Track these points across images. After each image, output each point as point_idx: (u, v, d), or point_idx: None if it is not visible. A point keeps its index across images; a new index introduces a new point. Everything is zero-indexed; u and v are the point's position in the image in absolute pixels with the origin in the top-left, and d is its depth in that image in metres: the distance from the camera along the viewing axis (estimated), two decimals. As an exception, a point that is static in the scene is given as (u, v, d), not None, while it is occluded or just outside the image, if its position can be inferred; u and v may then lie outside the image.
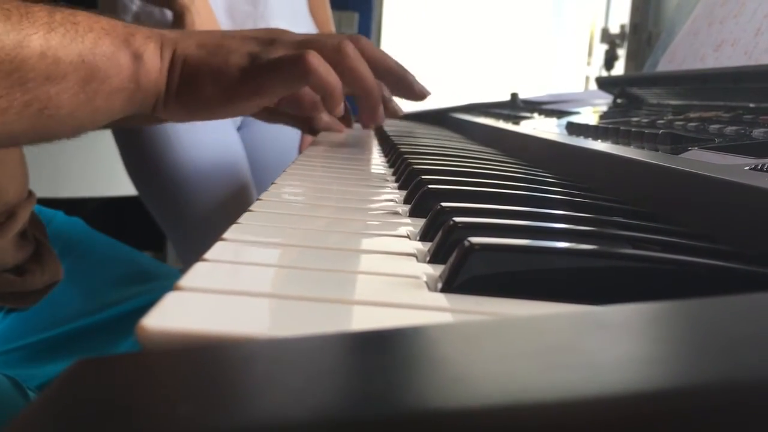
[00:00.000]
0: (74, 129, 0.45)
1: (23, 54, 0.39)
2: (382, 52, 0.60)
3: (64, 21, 0.41)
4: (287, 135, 1.13)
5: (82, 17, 0.43)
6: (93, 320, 0.70)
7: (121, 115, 0.48)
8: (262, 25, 1.02)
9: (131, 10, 0.97)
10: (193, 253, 1.04)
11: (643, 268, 0.22)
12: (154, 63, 0.47)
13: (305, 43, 0.52)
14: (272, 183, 0.40)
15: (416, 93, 0.64)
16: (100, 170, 1.93)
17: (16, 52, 0.38)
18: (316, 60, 0.49)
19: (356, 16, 2.46)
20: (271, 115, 0.69)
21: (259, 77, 0.50)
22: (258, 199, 0.34)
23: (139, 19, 0.97)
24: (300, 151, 1.24)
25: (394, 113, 0.75)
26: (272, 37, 0.53)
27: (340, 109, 0.55)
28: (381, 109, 0.62)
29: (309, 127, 0.73)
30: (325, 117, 0.71)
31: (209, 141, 1.02)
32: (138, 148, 1.01)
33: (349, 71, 0.53)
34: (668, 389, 0.11)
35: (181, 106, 0.50)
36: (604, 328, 0.14)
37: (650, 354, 0.12)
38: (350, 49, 0.54)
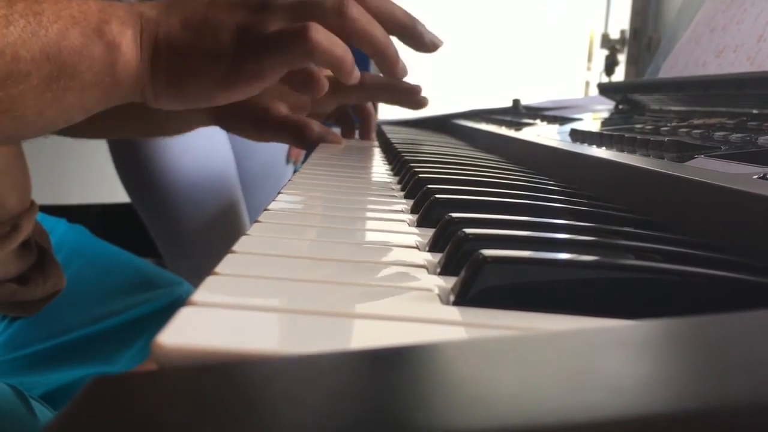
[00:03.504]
0: (45, 128, 0.41)
1: None
2: (387, 1, 0.54)
3: (25, 11, 0.37)
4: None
5: (48, 5, 0.38)
6: (96, 328, 0.70)
7: (99, 109, 0.44)
8: None
9: None
10: (183, 257, 1.04)
11: (659, 280, 0.22)
12: (133, 53, 0.43)
13: (302, 7, 0.47)
14: (279, 192, 0.40)
15: (427, 44, 0.57)
16: (101, 177, 1.93)
17: None
18: (318, 34, 0.45)
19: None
20: (261, 133, 0.67)
21: (258, 59, 0.45)
22: (265, 210, 0.34)
23: None
24: (289, 157, 1.23)
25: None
26: (263, 1, 0.47)
27: (356, 75, 0.50)
28: (401, 63, 0.55)
29: (300, 139, 0.69)
30: (316, 128, 0.68)
31: (200, 146, 1.02)
32: (130, 154, 1.01)
33: (357, 35, 0.49)
34: (695, 410, 0.11)
35: (176, 94, 0.46)
36: (625, 346, 0.14)
37: (674, 373, 0.12)
38: (354, 10, 0.48)
